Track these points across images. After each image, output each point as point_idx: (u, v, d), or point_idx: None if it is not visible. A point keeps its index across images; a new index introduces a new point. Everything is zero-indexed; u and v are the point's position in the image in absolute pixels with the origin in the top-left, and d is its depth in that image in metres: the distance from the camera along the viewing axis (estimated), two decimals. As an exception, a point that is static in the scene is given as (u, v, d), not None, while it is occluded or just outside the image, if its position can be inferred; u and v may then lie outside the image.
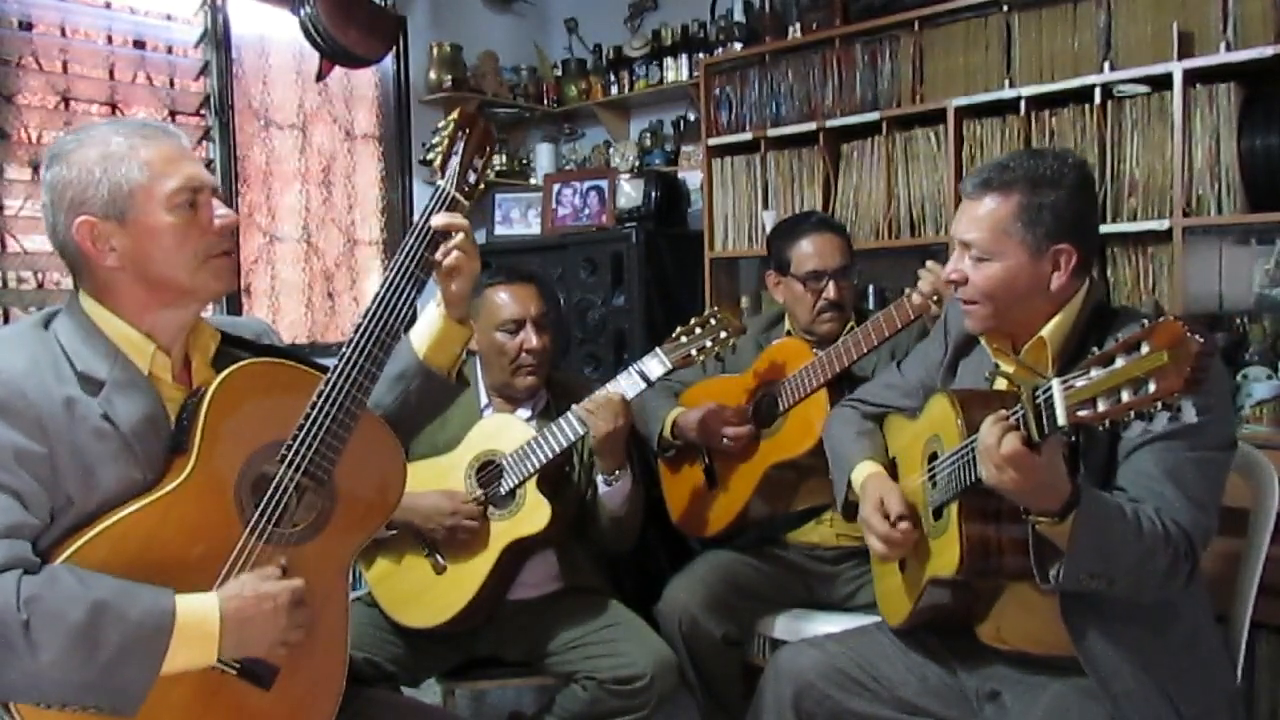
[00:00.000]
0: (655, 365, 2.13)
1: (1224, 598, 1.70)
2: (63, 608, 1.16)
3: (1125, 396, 1.14)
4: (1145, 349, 1.13)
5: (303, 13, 3.23)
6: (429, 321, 1.55)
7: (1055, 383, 1.24)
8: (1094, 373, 1.19)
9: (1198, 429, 1.34)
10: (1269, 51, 2.31)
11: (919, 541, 1.66)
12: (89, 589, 1.18)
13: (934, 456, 1.64)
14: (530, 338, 2.20)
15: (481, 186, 1.55)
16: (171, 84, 3.25)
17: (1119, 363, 1.16)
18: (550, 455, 2.07)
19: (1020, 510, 1.40)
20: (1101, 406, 1.17)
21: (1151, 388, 1.12)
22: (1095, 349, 1.21)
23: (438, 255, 1.46)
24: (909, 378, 1.90)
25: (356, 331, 1.40)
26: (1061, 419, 1.22)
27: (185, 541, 1.28)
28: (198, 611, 1.24)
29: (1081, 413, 1.20)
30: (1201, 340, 1.09)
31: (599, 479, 2.16)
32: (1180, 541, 1.40)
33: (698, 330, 2.14)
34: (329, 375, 1.38)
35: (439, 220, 1.46)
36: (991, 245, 1.55)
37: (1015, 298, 1.57)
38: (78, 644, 1.16)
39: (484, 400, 2.29)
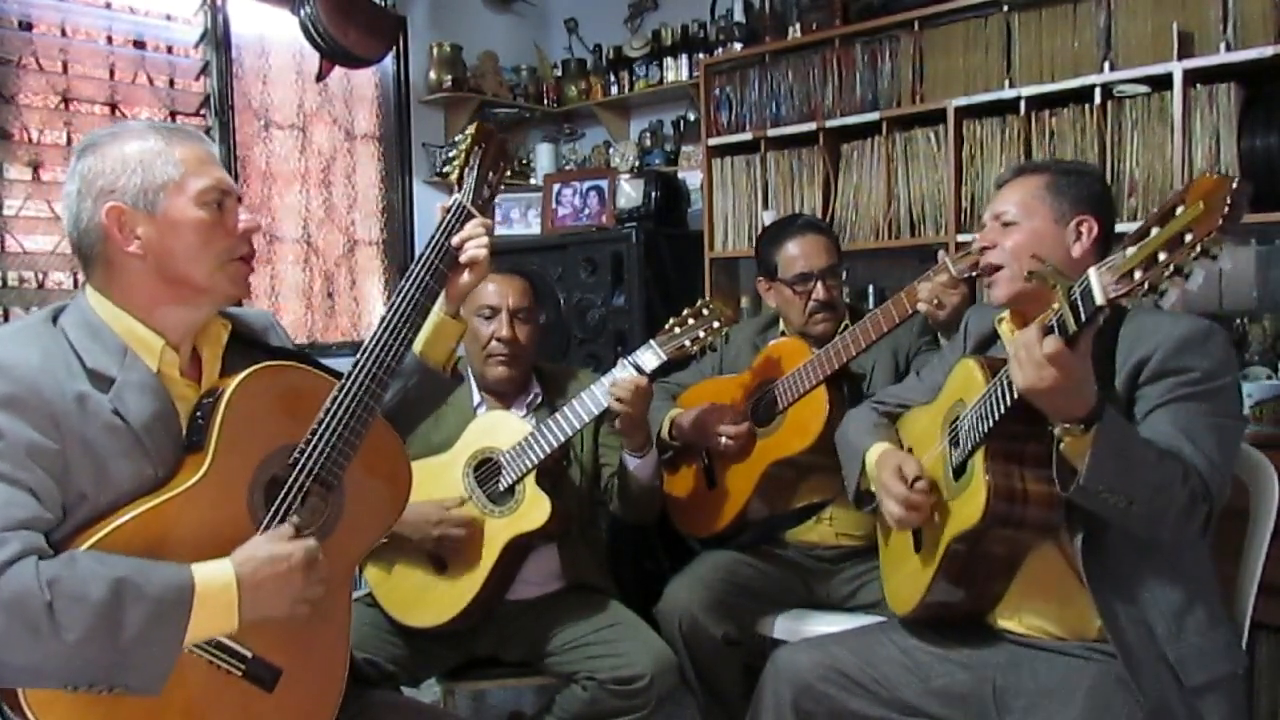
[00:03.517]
0: (649, 357, 2.13)
1: (1224, 598, 1.70)
2: (84, 587, 1.16)
3: (1161, 258, 1.17)
4: (1180, 210, 1.16)
5: (303, 13, 3.23)
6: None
7: (1091, 271, 1.28)
8: (1130, 250, 1.22)
9: (1212, 394, 1.45)
10: (1269, 51, 2.31)
11: (937, 509, 1.67)
12: (107, 567, 1.19)
13: (956, 421, 1.67)
14: (501, 327, 2.20)
15: (495, 200, 1.62)
16: (171, 84, 3.25)
17: (1154, 232, 1.19)
18: (549, 450, 2.07)
19: (1045, 436, 1.43)
20: (1138, 276, 1.20)
21: (1188, 238, 1.14)
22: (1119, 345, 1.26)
23: (456, 250, 1.52)
24: (928, 383, 1.93)
25: (372, 340, 1.43)
26: (1099, 298, 1.26)
27: (197, 539, 1.28)
28: (216, 580, 1.25)
29: (1118, 288, 1.23)
30: (1233, 178, 1.12)
31: (626, 456, 2.19)
32: (1197, 483, 1.44)
33: (690, 321, 2.14)
34: (344, 381, 1.40)
35: (459, 237, 1.52)
36: (1020, 211, 1.70)
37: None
38: (101, 622, 1.16)
39: (476, 399, 2.29)
